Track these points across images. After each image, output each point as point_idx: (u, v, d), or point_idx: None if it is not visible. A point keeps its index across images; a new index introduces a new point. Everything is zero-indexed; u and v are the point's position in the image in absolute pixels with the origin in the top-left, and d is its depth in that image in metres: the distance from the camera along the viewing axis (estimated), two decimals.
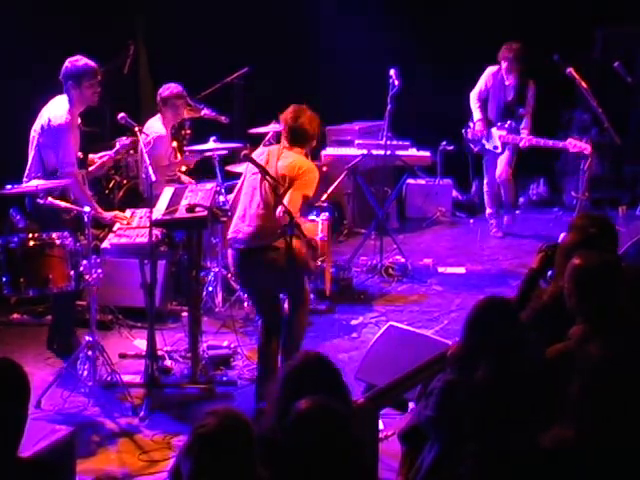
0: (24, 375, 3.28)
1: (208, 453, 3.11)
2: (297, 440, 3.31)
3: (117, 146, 7.34)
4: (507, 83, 9.65)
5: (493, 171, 9.98)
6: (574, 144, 9.20)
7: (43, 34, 8.67)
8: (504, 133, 9.67)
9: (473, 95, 9.82)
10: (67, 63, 6.69)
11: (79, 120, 6.85)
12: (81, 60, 6.66)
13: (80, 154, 6.92)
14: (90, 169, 7.07)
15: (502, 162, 9.86)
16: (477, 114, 9.80)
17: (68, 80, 6.65)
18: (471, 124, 9.88)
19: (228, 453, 3.11)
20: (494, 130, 9.74)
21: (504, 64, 9.57)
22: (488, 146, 9.84)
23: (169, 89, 7.50)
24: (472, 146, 9.99)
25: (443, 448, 3.89)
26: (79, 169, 6.78)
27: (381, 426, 5.30)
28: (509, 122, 9.64)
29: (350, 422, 3.39)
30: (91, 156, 7.14)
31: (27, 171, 6.75)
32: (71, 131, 6.64)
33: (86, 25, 9.30)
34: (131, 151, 8.27)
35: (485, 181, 10.20)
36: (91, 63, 6.68)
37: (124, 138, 7.45)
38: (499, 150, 9.78)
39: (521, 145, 9.55)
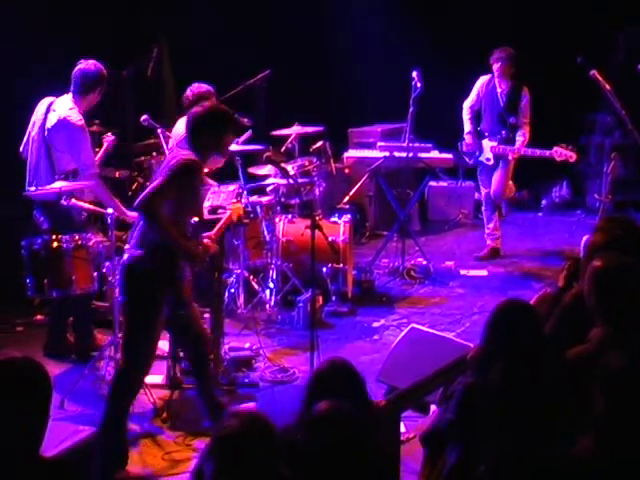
0: (46, 375, 3.29)
1: (230, 455, 3.11)
2: (315, 442, 3.32)
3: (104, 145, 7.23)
4: (499, 90, 9.37)
5: (487, 185, 9.62)
6: (560, 152, 9.03)
7: (68, 34, 8.71)
8: (495, 144, 9.35)
9: (465, 106, 9.54)
10: (88, 66, 6.65)
11: None
12: (99, 67, 6.66)
13: None
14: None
15: (496, 179, 9.49)
16: (467, 126, 9.50)
17: (85, 84, 6.62)
18: (465, 136, 9.58)
19: (250, 455, 3.11)
20: (485, 142, 9.42)
21: (495, 67, 9.29)
22: (481, 158, 9.52)
23: (204, 87, 7.43)
24: (467, 159, 9.66)
25: (464, 451, 3.88)
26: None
27: (403, 429, 5.30)
28: (502, 132, 9.34)
29: (367, 426, 3.40)
30: None
31: (32, 177, 6.72)
32: (87, 132, 6.66)
33: (110, 27, 9.35)
34: (154, 153, 8.30)
35: (482, 198, 9.83)
36: (105, 70, 6.70)
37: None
38: (491, 162, 9.43)
39: (510, 157, 9.28)
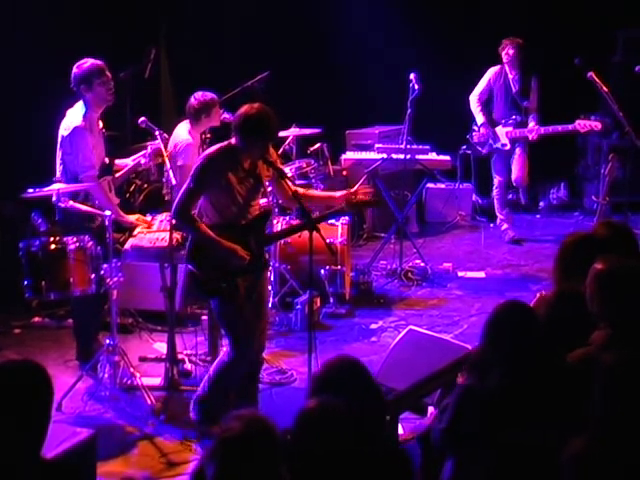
0: (47, 377, 3.29)
1: (232, 457, 3.11)
2: (302, 441, 3.32)
3: (148, 150, 7.08)
4: (511, 76, 9.75)
5: (502, 172, 9.99)
6: (583, 124, 9.34)
7: (67, 35, 8.70)
8: (510, 129, 9.71)
9: (473, 97, 9.86)
10: (74, 68, 6.58)
11: (101, 125, 6.84)
12: (87, 62, 6.57)
13: (107, 159, 6.91)
14: (117, 175, 6.99)
15: (517, 165, 9.87)
16: (480, 118, 9.84)
17: (80, 85, 6.56)
18: (475, 127, 9.93)
19: (252, 457, 3.11)
20: (499, 129, 9.78)
21: (505, 57, 9.70)
22: (497, 145, 9.86)
23: (209, 95, 7.38)
24: (480, 149, 10.00)
25: (462, 456, 3.88)
26: (106, 175, 6.77)
27: (401, 430, 5.29)
28: (514, 117, 9.71)
29: (357, 422, 3.39)
30: (118, 162, 7.10)
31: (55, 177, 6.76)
32: (88, 135, 6.58)
33: (108, 28, 9.35)
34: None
35: (495, 184, 10.15)
36: (97, 62, 6.58)
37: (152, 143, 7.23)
38: (508, 147, 9.77)
39: (530, 137, 9.60)
